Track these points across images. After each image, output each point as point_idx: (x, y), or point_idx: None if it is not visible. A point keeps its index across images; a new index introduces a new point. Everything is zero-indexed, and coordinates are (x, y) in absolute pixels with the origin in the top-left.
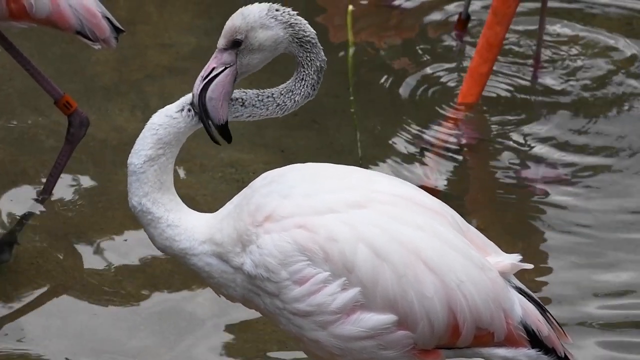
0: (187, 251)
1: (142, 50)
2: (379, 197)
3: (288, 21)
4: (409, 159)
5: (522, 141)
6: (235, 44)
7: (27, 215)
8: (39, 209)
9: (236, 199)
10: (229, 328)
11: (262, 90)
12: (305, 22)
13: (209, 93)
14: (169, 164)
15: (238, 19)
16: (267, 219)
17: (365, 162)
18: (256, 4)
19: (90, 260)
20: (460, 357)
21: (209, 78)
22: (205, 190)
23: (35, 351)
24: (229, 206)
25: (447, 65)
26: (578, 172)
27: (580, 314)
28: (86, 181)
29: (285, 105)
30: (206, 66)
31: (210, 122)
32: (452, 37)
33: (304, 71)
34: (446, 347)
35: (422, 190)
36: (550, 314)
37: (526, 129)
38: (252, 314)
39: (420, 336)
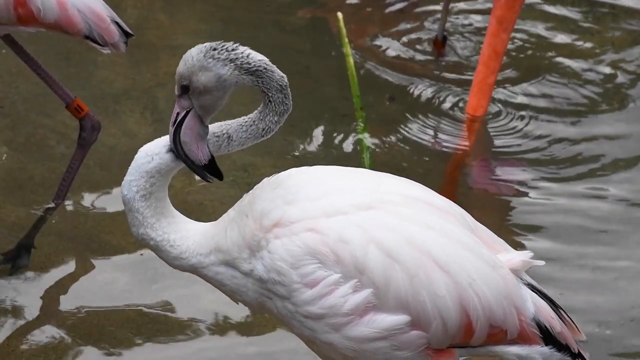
0: (195, 266)
1: (150, 55)
2: (387, 198)
3: (227, 58)
4: (416, 163)
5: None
6: (184, 89)
7: (41, 220)
8: (51, 214)
9: (237, 205)
10: (241, 332)
11: (243, 120)
12: (249, 51)
13: (182, 138)
14: (161, 191)
15: (180, 65)
16: (275, 225)
17: (373, 167)
18: (196, 47)
19: (99, 264)
20: (474, 356)
21: (176, 124)
22: (213, 195)
23: (44, 356)
24: (230, 212)
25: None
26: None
27: (590, 311)
28: (95, 185)
29: (270, 128)
30: (173, 113)
31: (194, 165)
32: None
33: (269, 95)
34: (460, 346)
35: (431, 190)
36: (563, 310)
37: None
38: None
39: (434, 336)
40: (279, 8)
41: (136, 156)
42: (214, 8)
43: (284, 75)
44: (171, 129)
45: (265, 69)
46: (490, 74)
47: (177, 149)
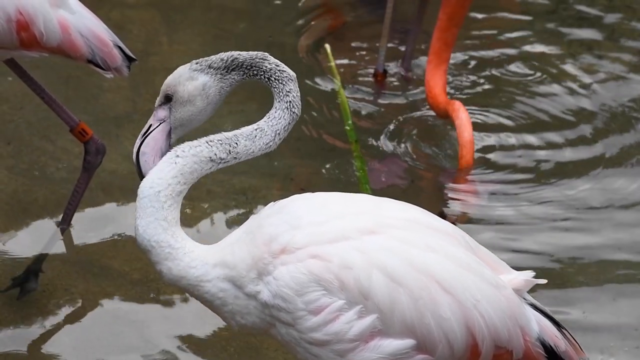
0: (201, 278)
1: (152, 79)
2: (389, 222)
3: (206, 66)
4: (414, 185)
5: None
6: (167, 99)
7: (48, 245)
8: (58, 238)
9: (245, 225)
10: (245, 354)
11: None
12: (221, 53)
13: (142, 148)
14: (178, 201)
15: (170, 77)
16: (283, 251)
17: (373, 192)
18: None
19: (100, 288)
20: None
21: (145, 135)
22: (217, 220)
23: None
24: (238, 232)
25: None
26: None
27: (592, 329)
28: (96, 209)
29: (293, 102)
30: (146, 124)
31: (141, 174)
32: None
33: (266, 75)
34: None
35: (431, 213)
36: (566, 329)
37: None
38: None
39: (440, 358)
40: (281, 35)
41: (166, 155)
42: (216, 32)
43: (265, 53)
44: (139, 139)
45: (238, 55)
46: (442, 63)
47: (135, 158)
